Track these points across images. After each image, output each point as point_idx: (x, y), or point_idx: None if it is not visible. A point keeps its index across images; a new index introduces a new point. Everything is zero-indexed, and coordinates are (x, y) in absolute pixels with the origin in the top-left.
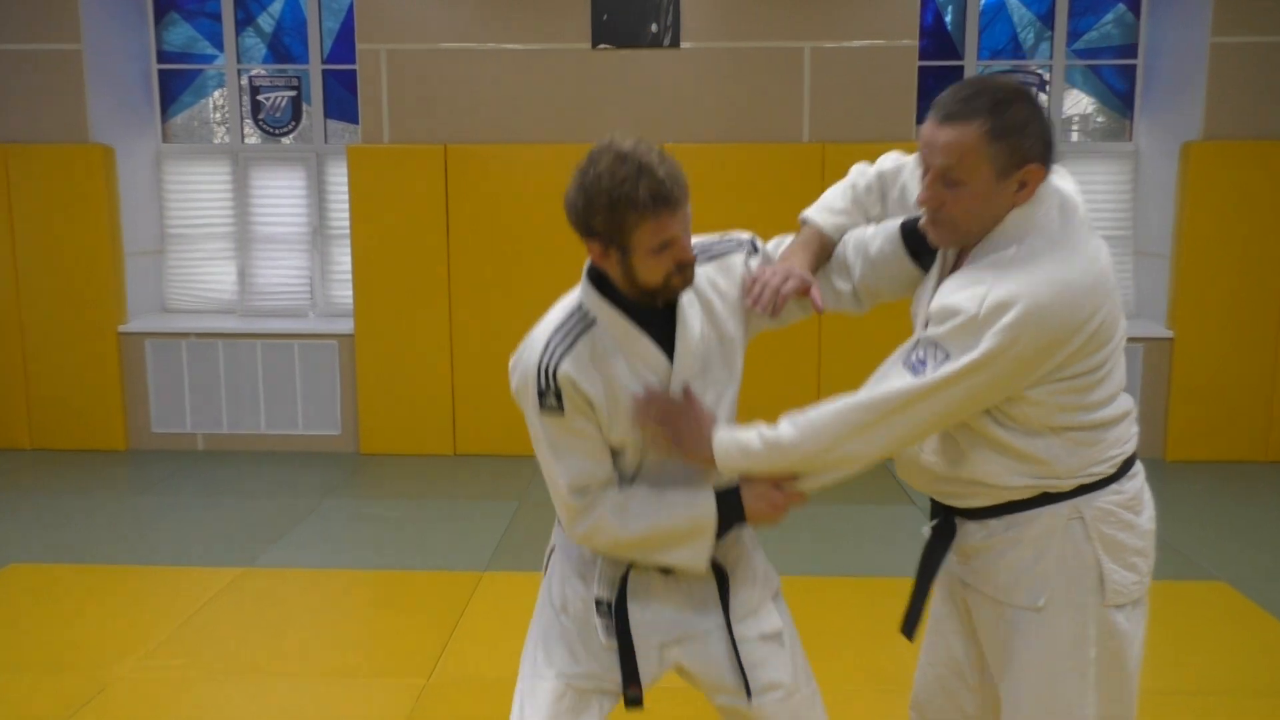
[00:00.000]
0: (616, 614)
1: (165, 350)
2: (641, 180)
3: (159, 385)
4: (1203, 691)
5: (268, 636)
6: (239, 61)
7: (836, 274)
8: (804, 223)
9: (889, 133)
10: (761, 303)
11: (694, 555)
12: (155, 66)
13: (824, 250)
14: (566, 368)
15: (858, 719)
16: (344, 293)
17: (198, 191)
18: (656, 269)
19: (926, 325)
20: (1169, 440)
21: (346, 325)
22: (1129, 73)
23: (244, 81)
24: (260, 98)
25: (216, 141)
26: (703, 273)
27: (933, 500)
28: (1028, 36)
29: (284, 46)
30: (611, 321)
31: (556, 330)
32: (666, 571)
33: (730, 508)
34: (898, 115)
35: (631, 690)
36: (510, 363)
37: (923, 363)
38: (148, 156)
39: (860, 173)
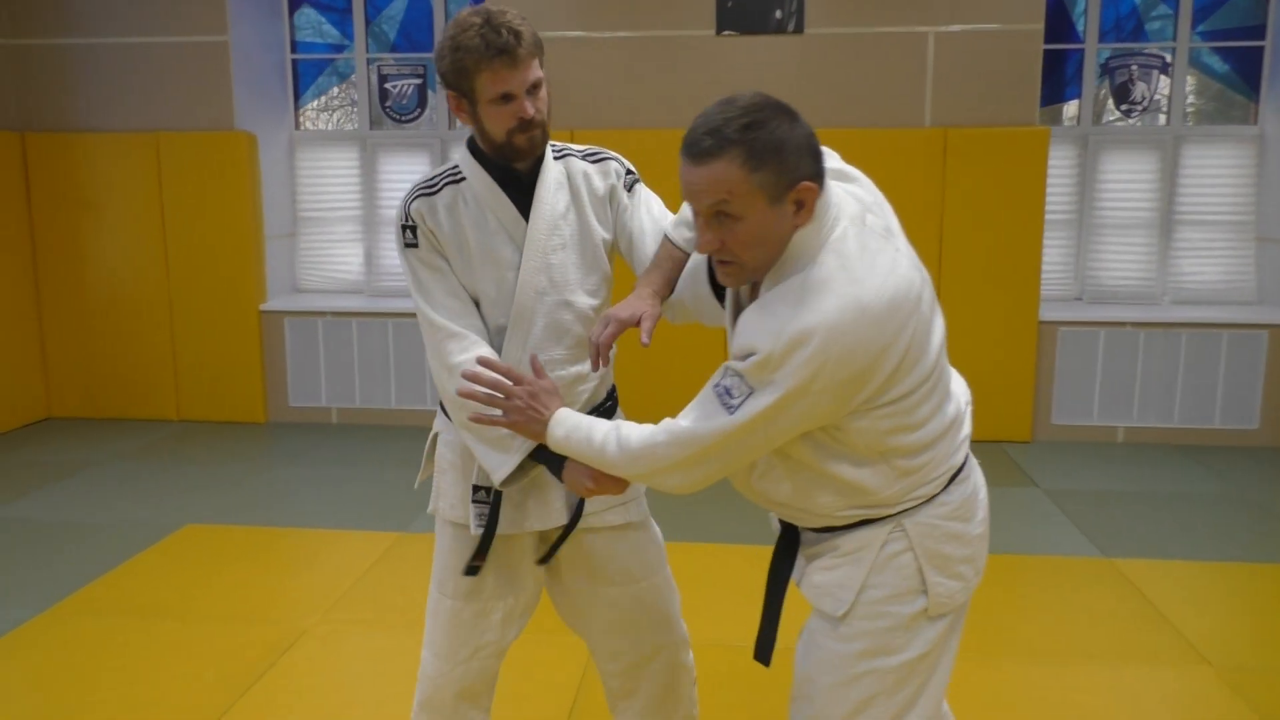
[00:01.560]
0: (494, 498)
1: (302, 328)
2: (484, 30)
3: (296, 361)
4: None
5: None
6: (367, 51)
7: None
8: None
9: (1011, 117)
10: (594, 364)
11: (497, 464)
12: (289, 56)
13: (679, 266)
14: (418, 205)
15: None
16: None
17: (328, 176)
18: (498, 121)
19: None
20: None
21: None
22: (1244, 54)
23: (371, 70)
24: (388, 86)
25: (343, 128)
26: (580, 167)
27: None
28: (1145, 17)
29: (386, 35)
30: (476, 176)
31: (425, 179)
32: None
33: (550, 458)
34: (1021, 100)
35: (474, 561)
36: None
37: (729, 393)
38: (283, 143)
39: None
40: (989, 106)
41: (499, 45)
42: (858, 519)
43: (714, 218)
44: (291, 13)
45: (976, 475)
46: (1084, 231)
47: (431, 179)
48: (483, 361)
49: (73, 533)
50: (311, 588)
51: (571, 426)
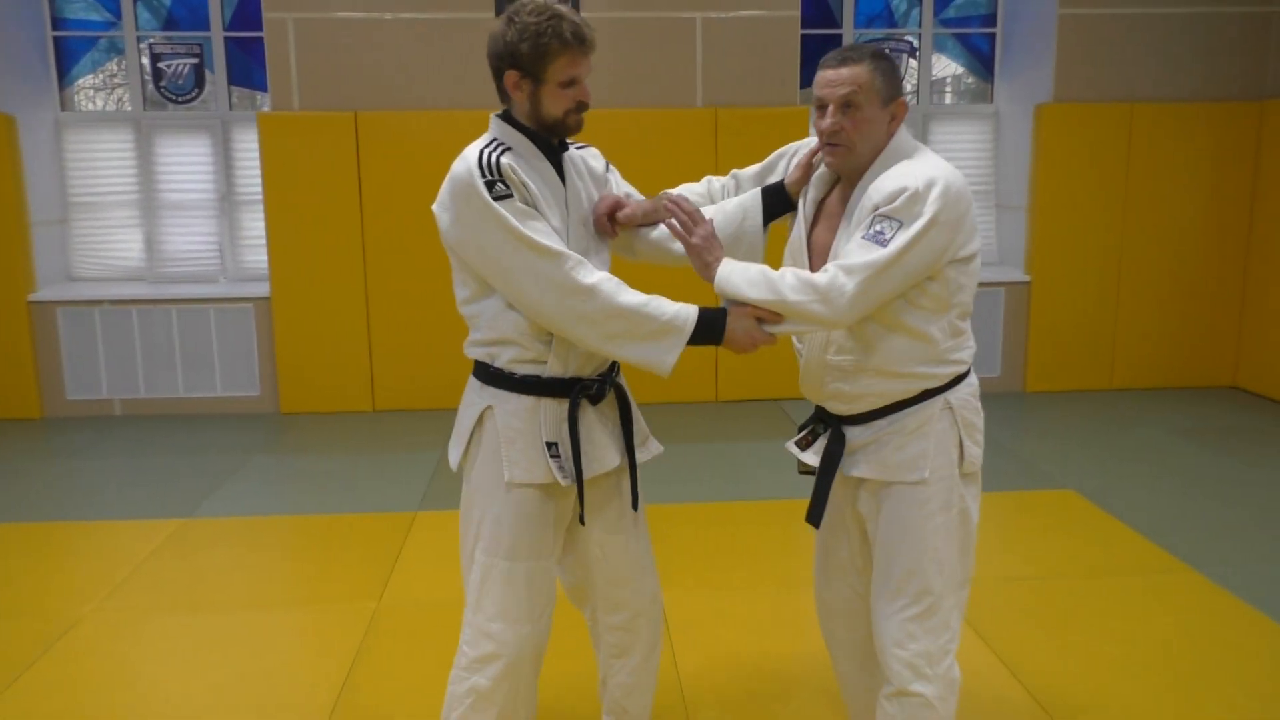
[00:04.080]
0: (574, 448)
1: (77, 318)
2: (565, 21)
3: (72, 353)
4: (1046, 575)
5: (220, 576)
6: (137, 28)
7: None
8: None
9: (775, 97)
10: (609, 232)
11: (663, 353)
12: (50, 33)
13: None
14: (508, 159)
15: (775, 611)
16: (254, 257)
17: (100, 160)
18: (559, 102)
19: (875, 210)
20: (1028, 374)
21: (259, 289)
22: (992, 40)
23: (143, 49)
24: (161, 65)
25: (114, 109)
26: (575, 154)
27: (819, 413)
28: (899, 5)
29: (169, 13)
30: (524, 147)
31: (484, 147)
32: (595, 401)
33: (711, 325)
34: (783, 81)
35: (580, 511)
36: (435, 208)
37: (882, 234)
38: (47, 125)
39: (714, 177)
40: (755, 87)
41: (582, 36)
42: (916, 391)
43: (841, 107)
44: None
45: None
46: None
47: (491, 144)
48: (675, 198)
49: None
50: (87, 578)
51: (739, 264)
